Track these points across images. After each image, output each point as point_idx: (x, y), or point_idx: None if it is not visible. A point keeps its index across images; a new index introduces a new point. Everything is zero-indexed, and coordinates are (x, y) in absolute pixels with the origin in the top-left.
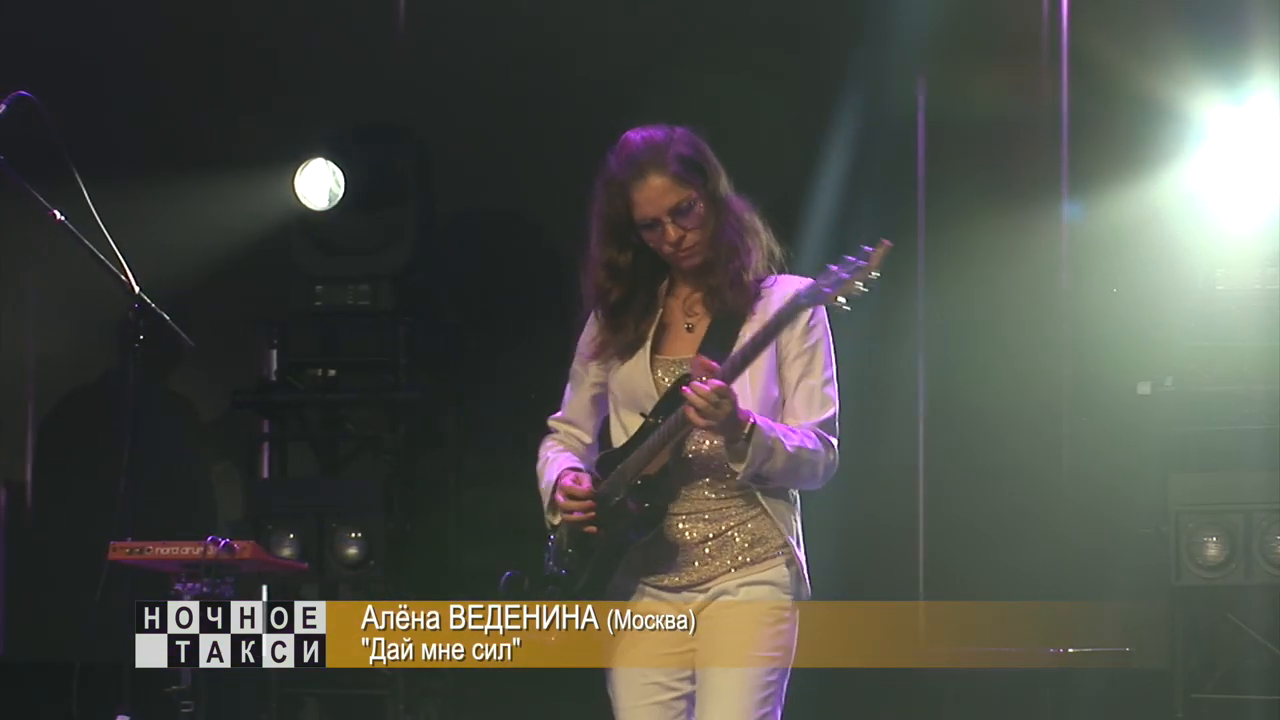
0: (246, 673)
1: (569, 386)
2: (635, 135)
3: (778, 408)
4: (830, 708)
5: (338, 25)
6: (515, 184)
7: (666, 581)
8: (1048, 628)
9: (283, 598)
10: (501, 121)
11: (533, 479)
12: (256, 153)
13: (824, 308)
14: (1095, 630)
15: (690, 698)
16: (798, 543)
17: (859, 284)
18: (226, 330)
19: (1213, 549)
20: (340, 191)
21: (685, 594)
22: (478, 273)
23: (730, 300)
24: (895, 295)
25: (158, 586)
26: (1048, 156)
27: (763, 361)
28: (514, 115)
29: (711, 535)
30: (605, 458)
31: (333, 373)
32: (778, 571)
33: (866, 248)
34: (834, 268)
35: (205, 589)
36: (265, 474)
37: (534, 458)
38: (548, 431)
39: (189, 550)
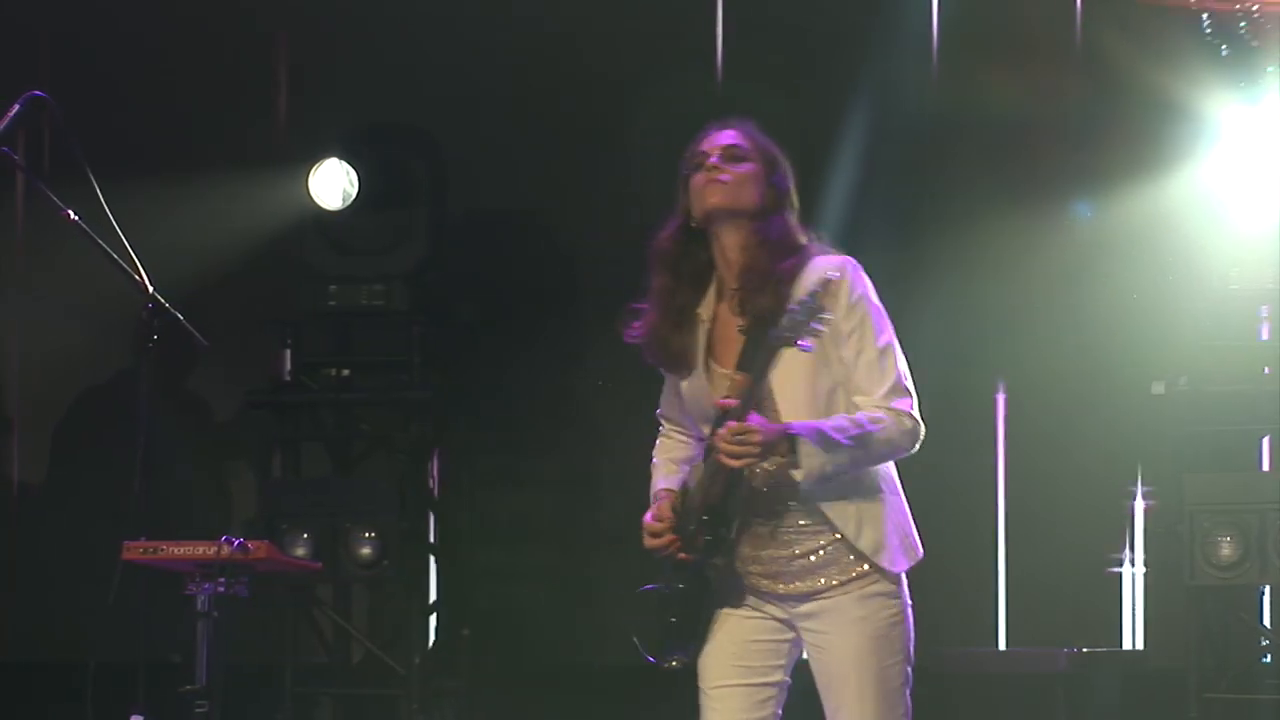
0: (261, 672)
1: (665, 384)
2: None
3: (834, 395)
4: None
5: (351, 24)
6: (529, 184)
7: (775, 588)
8: (1061, 627)
9: None
10: (515, 122)
11: (546, 477)
12: (270, 152)
13: (863, 275)
14: (1109, 630)
15: (781, 688)
16: (895, 521)
17: (814, 324)
18: (240, 330)
19: (1227, 548)
20: (354, 191)
21: (792, 601)
22: (491, 273)
23: (764, 305)
24: (905, 297)
25: (171, 587)
26: (1061, 156)
27: (796, 360)
28: (527, 115)
29: (810, 550)
30: (695, 470)
31: (346, 372)
32: (883, 583)
33: (817, 286)
34: (795, 306)
35: (220, 589)
36: (279, 474)
37: (545, 457)
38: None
39: (203, 550)
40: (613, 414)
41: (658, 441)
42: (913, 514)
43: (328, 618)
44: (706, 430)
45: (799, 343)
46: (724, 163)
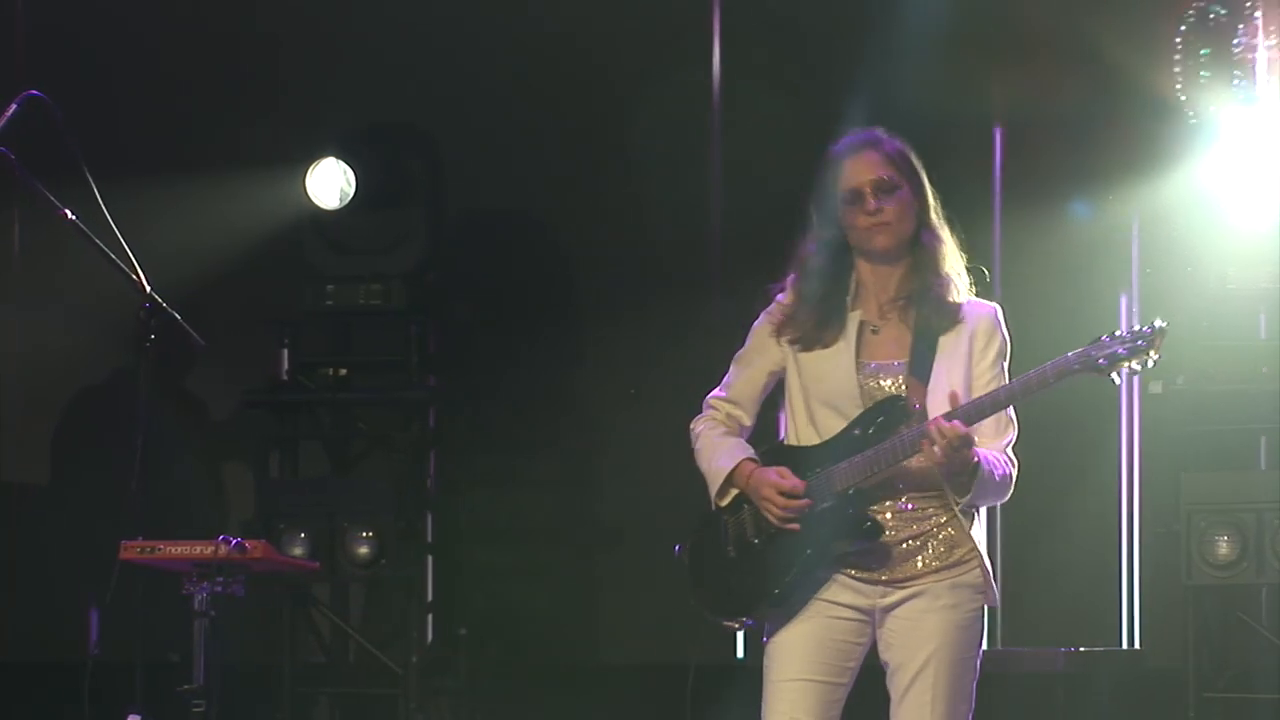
0: (258, 671)
1: (737, 366)
2: (861, 130)
3: None
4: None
5: (349, 24)
6: (526, 184)
7: (861, 574)
8: (1059, 626)
9: None
10: (513, 121)
11: (543, 476)
12: (267, 152)
13: (1006, 331)
14: (1107, 629)
15: (846, 689)
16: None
17: (1134, 364)
18: (238, 330)
19: (1224, 548)
20: (351, 191)
21: (881, 587)
22: (489, 272)
23: (933, 317)
24: None
25: (169, 586)
26: (1058, 155)
27: (960, 370)
28: (525, 115)
29: (912, 535)
30: (786, 453)
31: (344, 372)
32: (975, 575)
33: (1145, 329)
34: (1107, 339)
35: (218, 589)
36: (276, 473)
37: (542, 457)
38: (706, 408)
39: (200, 550)
40: (611, 413)
41: (705, 418)
42: None
43: (325, 617)
44: (828, 414)
45: (1113, 376)
46: (881, 201)
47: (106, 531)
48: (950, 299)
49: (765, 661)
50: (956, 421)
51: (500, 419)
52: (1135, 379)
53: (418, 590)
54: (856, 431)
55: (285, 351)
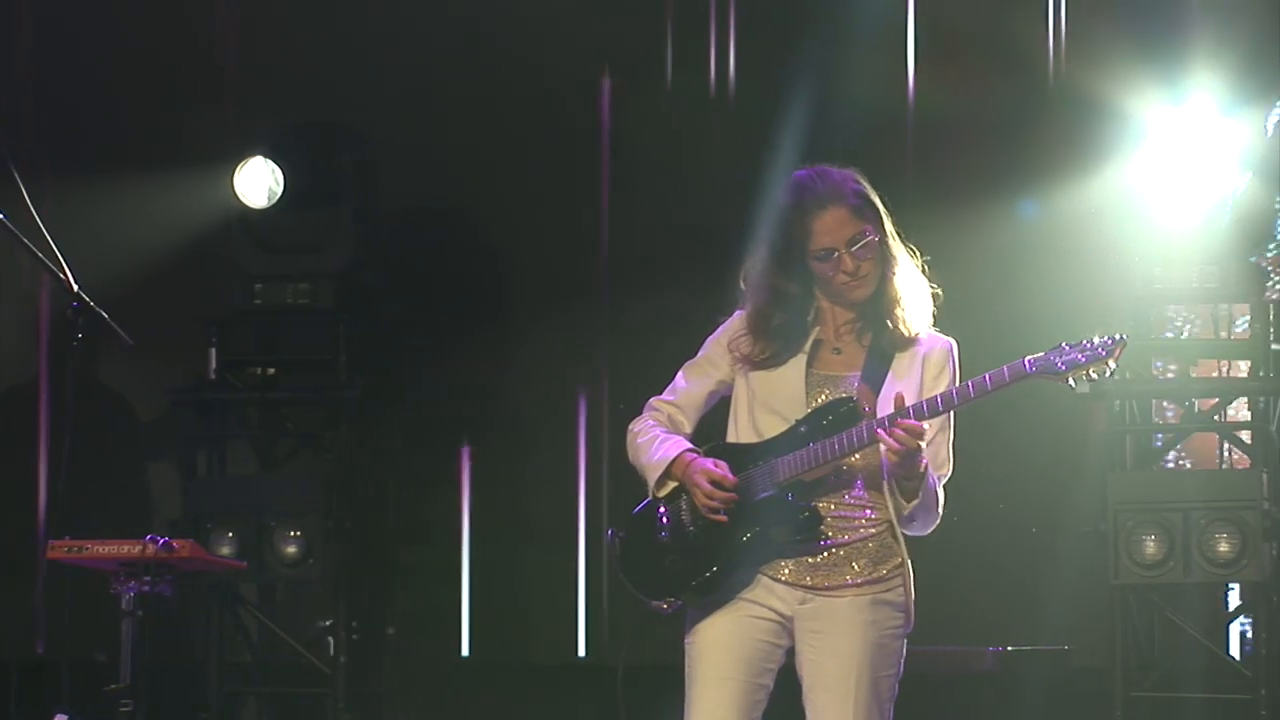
0: (186, 671)
1: (687, 374)
2: (809, 172)
3: None
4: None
5: (278, 23)
6: (456, 183)
7: (786, 578)
8: (987, 626)
9: None
10: (442, 120)
11: (471, 478)
12: (195, 151)
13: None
14: (1034, 629)
15: (767, 691)
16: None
17: (1093, 371)
18: (165, 328)
19: (1151, 547)
20: (279, 190)
21: (802, 592)
22: (418, 271)
23: (889, 338)
24: None
25: (97, 586)
26: (987, 155)
27: (912, 387)
28: (455, 114)
29: (842, 543)
30: (727, 450)
31: (272, 371)
32: (898, 593)
33: (1107, 339)
34: (1068, 346)
35: (145, 588)
36: (204, 472)
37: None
38: (648, 409)
39: (128, 549)
40: (538, 413)
41: (647, 416)
42: None
43: (253, 616)
44: (769, 418)
45: (1070, 381)
46: (859, 259)
47: (32, 531)
48: (908, 325)
49: (687, 661)
50: (909, 420)
51: (429, 418)
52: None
53: (345, 590)
54: (803, 429)
55: (213, 350)
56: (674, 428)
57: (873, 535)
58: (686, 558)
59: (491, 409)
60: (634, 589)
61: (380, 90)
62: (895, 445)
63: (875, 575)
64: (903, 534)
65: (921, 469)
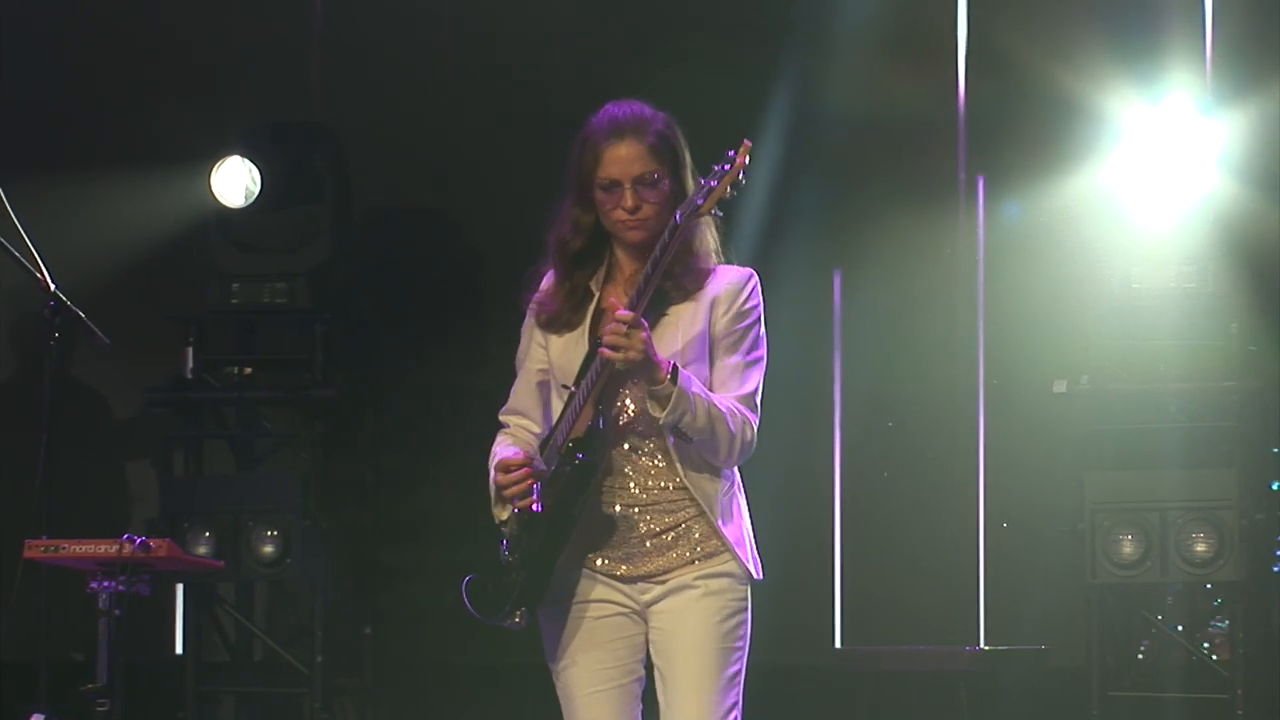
0: (163, 670)
1: (518, 375)
2: (620, 104)
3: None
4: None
5: (254, 22)
6: (433, 182)
7: (621, 571)
8: (964, 626)
9: None
10: (420, 119)
11: (450, 476)
12: (172, 150)
13: (759, 296)
14: (1012, 629)
15: (641, 683)
16: (747, 526)
17: (728, 188)
18: (142, 328)
19: (1128, 547)
20: (257, 189)
21: (640, 584)
22: (395, 271)
23: (673, 291)
24: (809, 295)
25: (74, 585)
26: (964, 155)
27: (694, 345)
28: (433, 113)
29: (668, 526)
30: (543, 441)
31: (249, 370)
32: (734, 564)
33: (730, 152)
34: (703, 180)
35: (121, 587)
36: (181, 472)
37: (449, 456)
38: (500, 427)
39: (104, 549)
40: None
41: (499, 438)
42: (814, 512)
43: (230, 616)
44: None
45: (697, 198)
46: (640, 198)
47: (10, 530)
48: (694, 276)
49: (556, 682)
50: (623, 310)
51: (406, 418)
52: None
53: (323, 589)
54: (573, 389)
55: (190, 350)
56: (526, 436)
57: (694, 516)
58: (526, 566)
59: (469, 408)
60: (485, 619)
61: (358, 89)
62: (609, 341)
63: (706, 551)
64: (730, 496)
65: (667, 372)
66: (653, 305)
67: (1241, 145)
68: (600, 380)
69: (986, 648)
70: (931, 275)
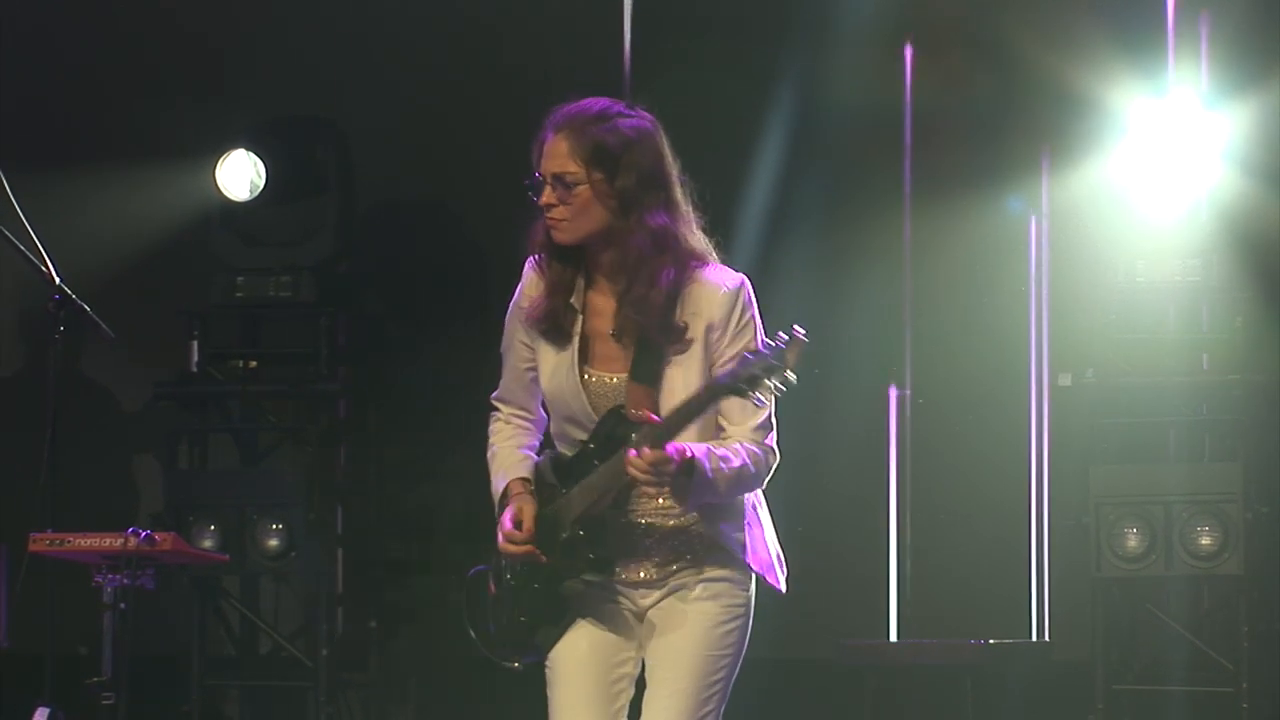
0: (168, 663)
1: (504, 364)
2: (590, 100)
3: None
4: (744, 701)
5: (260, 16)
6: (438, 176)
7: (622, 576)
8: (968, 619)
9: None
10: (424, 113)
11: (455, 469)
12: (177, 144)
13: (753, 303)
14: (1016, 622)
15: (631, 678)
16: (763, 535)
17: (775, 382)
18: (147, 321)
19: (1133, 540)
20: (261, 183)
21: (641, 590)
22: (400, 264)
23: (645, 322)
24: (812, 290)
25: (78, 579)
26: (969, 150)
27: (685, 374)
28: (437, 106)
29: (670, 534)
30: (556, 464)
31: (254, 364)
32: (736, 570)
33: (778, 344)
34: (750, 356)
35: (126, 581)
36: (186, 465)
37: (454, 450)
38: (492, 409)
39: (109, 542)
40: None
41: (494, 427)
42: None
43: (235, 609)
44: (571, 427)
45: (754, 396)
46: (556, 196)
47: (15, 524)
48: (668, 303)
49: (547, 676)
50: (645, 449)
51: (411, 411)
52: (1044, 372)
53: (328, 583)
54: (592, 446)
55: (195, 343)
56: (521, 424)
57: (696, 521)
58: (514, 616)
59: (474, 402)
60: (479, 643)
61: (363, 83)
62: (643, 482)
63: (710, 558)
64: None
65: (685, 469)
66: (645, 345)
67: (1246, 139)
68: (621, 484)
69: (992, 641)
70: (936, 270)
